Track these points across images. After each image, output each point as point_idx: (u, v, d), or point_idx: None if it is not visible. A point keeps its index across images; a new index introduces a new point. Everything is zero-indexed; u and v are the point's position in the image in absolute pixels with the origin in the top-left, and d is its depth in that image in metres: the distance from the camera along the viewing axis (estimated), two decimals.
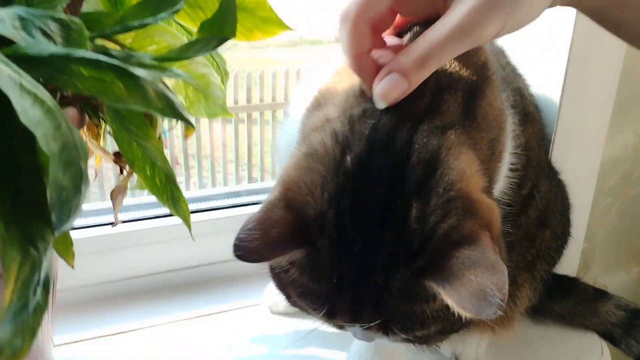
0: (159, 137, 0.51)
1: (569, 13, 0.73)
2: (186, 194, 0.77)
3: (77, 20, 0.36)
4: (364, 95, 0.45)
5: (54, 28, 0.35)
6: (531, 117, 0.65)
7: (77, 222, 0.83)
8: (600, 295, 0.78)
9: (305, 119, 0.52)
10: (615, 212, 0.98)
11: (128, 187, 0.56)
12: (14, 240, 0.29)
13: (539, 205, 0.65)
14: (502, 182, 0.53)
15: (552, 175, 0.71)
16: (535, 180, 0.64)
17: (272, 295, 0.74)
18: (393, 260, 0.39)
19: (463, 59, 0.48)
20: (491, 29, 0.40)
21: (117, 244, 0.77)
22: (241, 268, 0.79)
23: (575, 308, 0.78)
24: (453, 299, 0.37)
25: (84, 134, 0.53)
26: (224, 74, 0.56)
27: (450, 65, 0.48)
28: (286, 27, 0.51)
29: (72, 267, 0.40)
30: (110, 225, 0.74)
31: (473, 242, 0.38)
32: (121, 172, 0.47)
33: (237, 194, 0.91)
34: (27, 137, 0.29)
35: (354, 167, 0.40)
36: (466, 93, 0.46)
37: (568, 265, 0.83)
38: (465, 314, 0.37)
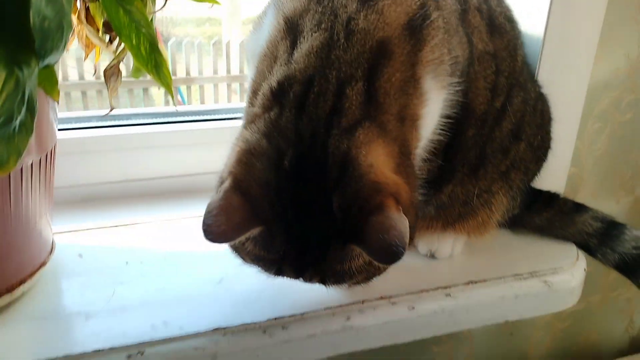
0: (151, 20, 0.54)
1: None
2: (187, 107, 0.80)
3: None
4: (275, 95, 0.52)
5: None
6: (500, 28, 0.66)
7: (79, 124, 0.86)
8: (578, 207, 0.81)
9: (245, 109, 0.58)
10: (605, 138, 1.00)
11: (122, 74, 0.60)
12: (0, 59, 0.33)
13: (512, 119, 0.67)
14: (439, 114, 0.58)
15: (530, 87, 0.72)
16: (508, 92, 0.66)
17: None
18: (324, 237, 0.50)
19: (360, 39, 0.51)
20: None
21: (120, 145, 0.82)
22: None
23: (553, 219, 0.81)
24: (370, 255, 0.48)
25: (85, 27, 0.57)
26: None
27: (350, 54, 0.51)
28: None
29: (57, 102, 0.44)
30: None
31: (380, 209, 0.47)
32: (110, 42, 0.50)
33: (235, 110, 0.94)
34: None
35: (291, 169, 0.49)
36: (366, 81, 0.51)
37: (555, 187, 0.85)
38: (379, 264, 0.50)
